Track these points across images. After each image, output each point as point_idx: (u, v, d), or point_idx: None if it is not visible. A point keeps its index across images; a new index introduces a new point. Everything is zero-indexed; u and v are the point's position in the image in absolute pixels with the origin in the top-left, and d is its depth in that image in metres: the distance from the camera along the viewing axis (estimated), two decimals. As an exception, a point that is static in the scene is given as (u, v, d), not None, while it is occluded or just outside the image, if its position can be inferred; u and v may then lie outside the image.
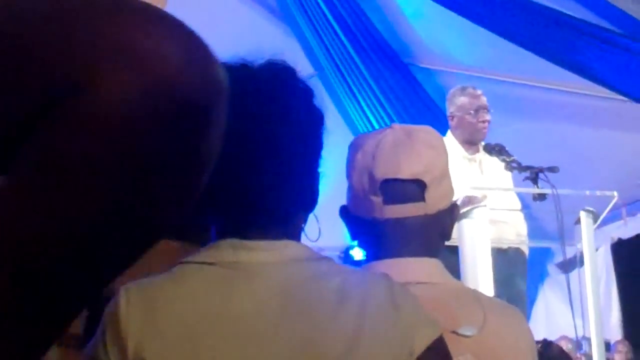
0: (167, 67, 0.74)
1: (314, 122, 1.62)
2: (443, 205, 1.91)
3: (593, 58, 6.21)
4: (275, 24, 7.63)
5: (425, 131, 1.98)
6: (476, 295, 1.94)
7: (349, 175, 1.94)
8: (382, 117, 7.69)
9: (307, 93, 1.63)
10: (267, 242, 1.55)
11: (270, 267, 1.52)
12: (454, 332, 1.74)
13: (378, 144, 1.90)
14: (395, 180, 1.87)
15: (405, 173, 1.87)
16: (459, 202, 5.14)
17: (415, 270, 1.68)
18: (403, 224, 1.87)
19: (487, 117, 5.59)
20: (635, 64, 6.14)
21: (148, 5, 0.78)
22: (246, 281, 1.50)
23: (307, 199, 1.62)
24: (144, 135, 0.74)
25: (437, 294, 1.63)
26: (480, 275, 4.80)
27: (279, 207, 1.57)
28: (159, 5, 0.80)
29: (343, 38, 7.56)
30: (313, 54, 7.84)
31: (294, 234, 1.61)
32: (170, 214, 0.81)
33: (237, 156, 1.51)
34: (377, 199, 1.87)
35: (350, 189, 1.94)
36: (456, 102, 5.66)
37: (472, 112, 5.57)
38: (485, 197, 5.32)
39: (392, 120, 7.57)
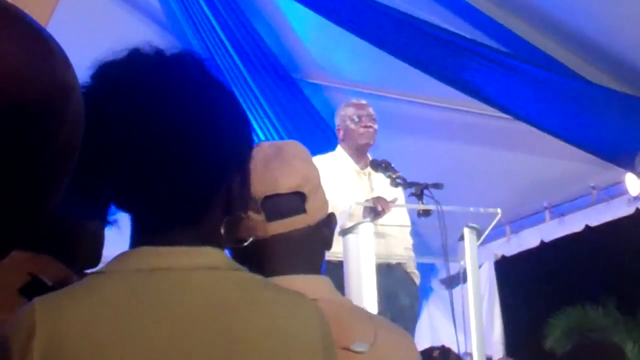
0: (3, 68, 0.73)
1: (215, 96, 1.53)
2: (321, 215, 1.93)
3: (478, 76, 6.31)
4: (162, 36, 7.54)
5: (293, 145, 2.01)
6: (367, 312, 1.96)
7: None
8: (270, 132, 7.67)
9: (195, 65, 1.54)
10: (182, 249, 1.47)
11: (187, 274, 1.45)
12: (346, 348, 1.74)
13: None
14: (275, 195, 1.87)
15: (284, 187, 1.88)
16: (362, 212, 5.20)
17: (305, 287, 1.66)
18: (287, 238, 1.87)
19: (371, 123, 5.68)
20: (520, 83, 6.26)
21: None
22: (163, 289, 1.42)
23: (218, 184, 1.53)
24: None
25: (328, 310, 1.61)
26: (364, 290, 4.82)
27: (187, 198, 1.48)
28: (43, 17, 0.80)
29: (232, 52, 7.52)
30: (201, 67, 7.78)
31: (210, 238, 1.52)
32: (28, 212, 0.80)
33: (140, 147, 1.44)
34: (260, 217, 1.85)
35: None
36: (341, 113, 5.80)
37: (355, 118, 5.67)
38: (396, 199, 5.36)
39: (280, 136, 7.56)
